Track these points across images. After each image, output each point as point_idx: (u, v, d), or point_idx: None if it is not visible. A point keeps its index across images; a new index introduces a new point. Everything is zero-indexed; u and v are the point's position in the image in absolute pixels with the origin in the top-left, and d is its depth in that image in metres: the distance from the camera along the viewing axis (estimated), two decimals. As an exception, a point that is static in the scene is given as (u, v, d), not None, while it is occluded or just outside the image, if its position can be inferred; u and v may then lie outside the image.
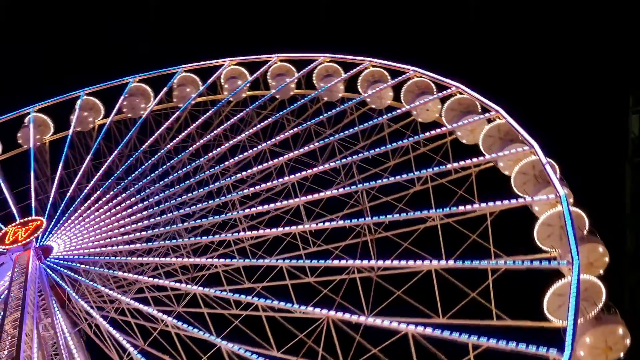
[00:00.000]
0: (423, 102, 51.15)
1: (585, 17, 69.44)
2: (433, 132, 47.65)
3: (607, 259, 38.87)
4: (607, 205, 59.05)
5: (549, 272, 36.96)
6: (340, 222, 43.71)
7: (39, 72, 79.89)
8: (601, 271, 38.24)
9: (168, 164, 51.90)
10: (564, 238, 36.95)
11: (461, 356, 33.21)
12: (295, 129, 51.75)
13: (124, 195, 49.67)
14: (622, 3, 66.88)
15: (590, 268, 37.76)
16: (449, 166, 44.68)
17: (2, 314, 39.80)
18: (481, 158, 44.61)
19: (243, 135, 52.67)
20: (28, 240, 45.34)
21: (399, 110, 51.62)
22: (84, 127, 60.53)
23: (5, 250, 45.21)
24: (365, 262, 40.28)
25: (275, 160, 48.71)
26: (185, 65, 60.83)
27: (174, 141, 54.23)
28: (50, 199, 50.05)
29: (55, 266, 44.90)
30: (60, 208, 48.94)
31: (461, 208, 41.15)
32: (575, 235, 36.16)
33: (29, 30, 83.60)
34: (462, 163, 44.54)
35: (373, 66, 54.92)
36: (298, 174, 47.18)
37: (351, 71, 55.89)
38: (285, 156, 49.06)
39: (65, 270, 44.52)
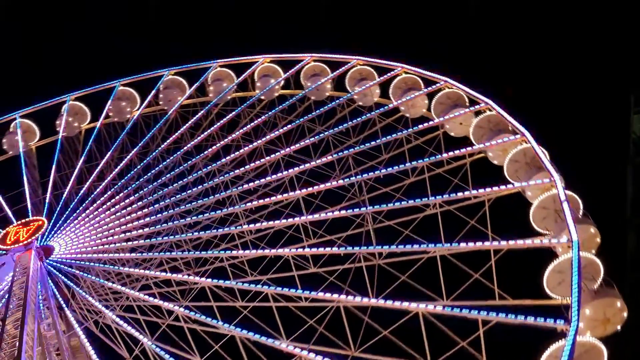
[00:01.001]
0: (454, 116, 48.05)
1: (586, 17, 67.51)
2: (453, 152, 44.43)
3: (625, 314, 35.00)
4: (609, 206, 57.77)
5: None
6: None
7: (76, 61, 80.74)
8: (619, 327, 34.57)
9: (184, 165, 51.03)
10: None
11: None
12: (315, 138, 49.71)
13: (130, 197, 49.27)
14: (623, 3, 65.21)
15: (606, 324, 34.28)
16: (464, 193, 41.46)
17: (3, 314, 40.01)
18: (502, 187, 41.10)
19: (260, 141, 50.90)
20: (29, 240, 45.48)
21: (429, 123, 48.58)
22: (121, 117, 60.49)
23: (6, 251, 45.51)
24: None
25: (286, 172, 46.90)
26: (219, 61, 59.77)
27: (195, 141, 53.34)
28: (65, 196, 49.99)
29: (56, 267, 44.92)
30: (72, 206, 48.92)
31: (463, 245, 37.91)
32: (580, 291, 32.38)
33: (69, 19, 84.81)
34: (481, 191, 41.24)
35: (406, 73, 52.15)
36: (304, 190, 45.27)
37: (384, 76, 53.35)
38: (296, 168, 47.15)
39: (62, 277, 44.42)
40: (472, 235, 40.45)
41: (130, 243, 45.80)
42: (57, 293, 43.47)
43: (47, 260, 44.98)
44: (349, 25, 79.25)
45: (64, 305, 43.08)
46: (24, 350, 36.26)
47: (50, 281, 44.24)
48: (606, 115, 62.42)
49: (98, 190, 50.06)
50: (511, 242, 36.92)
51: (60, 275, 44.22)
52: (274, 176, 46.99)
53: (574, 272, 33.26)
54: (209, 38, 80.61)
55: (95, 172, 51.96)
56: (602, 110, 63.09)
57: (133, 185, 49.88)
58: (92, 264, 44.33)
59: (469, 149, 44.07)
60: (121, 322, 40.29)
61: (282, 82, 57.60)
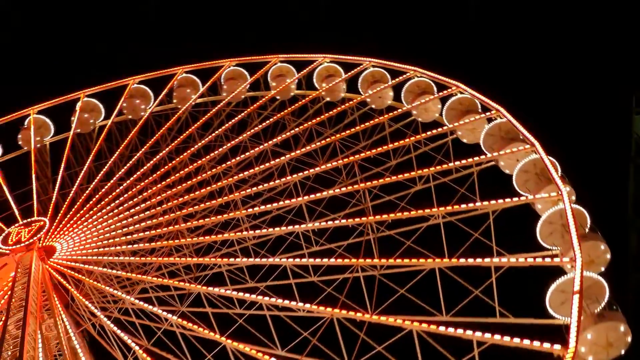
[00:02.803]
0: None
1: (588, 18, 67.88)
2: (460, 162, 43.20)
3: (629, 339, 33.50)
4: (610, 206, 58.34)
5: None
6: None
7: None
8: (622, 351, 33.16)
9: (190, 167, 50.57)
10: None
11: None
12: (321, 142, 48.83)
13: (134, 198, 49.10)
14: (625, 3, 65.52)
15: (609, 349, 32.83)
16: (468, 205, 40.31)
17: (5, 314, 40.16)
18: (507, 200, 39.96)
19: (267, 144, 50.10)
20: (31, 240, 45.60)
21: (438, 129, 47.12)
22: (134, 115, 60.26)
23: (8, 251, 45.61)
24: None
25: (289, 177, 46.17)
26: (233, 59, 59.16)
27: (203, 141, 52.89)
28: (70, 195, 49.92)
29: (58, 267, 44.92)
30: (76, 206, 48.88)
31: (462, 260, 36.76)
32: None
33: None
34: (485, 203, 40.04)
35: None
36: (306, 197, 44.63)
37: (396, 79, 51.95)
38: (300, 173, 46.50)
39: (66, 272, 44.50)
40: (478, 246, 39.37)
41: (131, 246, 45.57)
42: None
43: (49, 261, 44.99)
44: (361, 26, 79.57)
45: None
46: (25, 350, 36.51)
47: (52, 280, 44.29)
48: (608, 116, 62.57)
49: (104, 190, 49.88)
50: (512, 260, 35.92)
51: (61, 276, 44.24)
52: (277, 181, 46.30)
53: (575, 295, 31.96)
54: (222, 37, 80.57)
55: (102, 172, 51.77)
56: (604, 110, 63.27)
57: (138, 186, 49.65)
58: (92, 267, 44.16)
59: (476, 158, 42.80)
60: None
61: (296, 82, 56.81)
